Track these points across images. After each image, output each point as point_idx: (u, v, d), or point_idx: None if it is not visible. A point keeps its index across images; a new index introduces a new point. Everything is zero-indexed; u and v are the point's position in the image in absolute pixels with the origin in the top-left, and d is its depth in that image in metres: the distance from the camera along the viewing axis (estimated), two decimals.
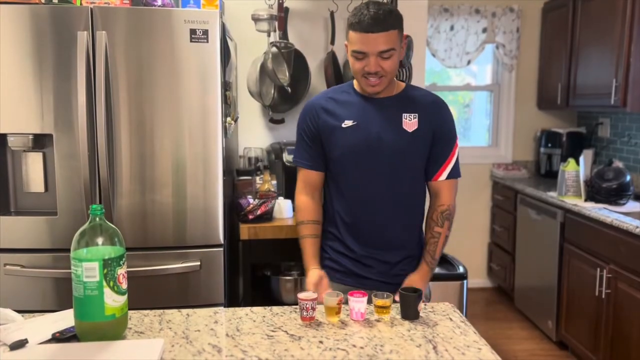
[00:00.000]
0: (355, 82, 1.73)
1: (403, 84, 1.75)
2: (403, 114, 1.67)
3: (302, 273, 1.91)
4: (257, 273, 2.60)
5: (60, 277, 2.04)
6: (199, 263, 2.11)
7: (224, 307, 2.17)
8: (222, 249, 2.15)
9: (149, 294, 2.06)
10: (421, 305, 1.42)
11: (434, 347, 1.24)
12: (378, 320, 1.39)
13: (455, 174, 1.75)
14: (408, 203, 1.73)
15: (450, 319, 1.41)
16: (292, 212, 2.42)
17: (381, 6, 1.57)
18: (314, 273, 1.68)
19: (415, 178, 1.73)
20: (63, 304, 1.90)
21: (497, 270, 4.12)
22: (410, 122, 1.67)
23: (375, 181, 1.69)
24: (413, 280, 1.70)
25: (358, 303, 1.39)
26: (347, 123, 1.67)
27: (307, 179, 1.78)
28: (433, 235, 1.74)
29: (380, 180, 1.69)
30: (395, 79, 1.71)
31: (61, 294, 2.06)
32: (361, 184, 1.69)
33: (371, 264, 1.73)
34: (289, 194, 2.49)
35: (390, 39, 1.56)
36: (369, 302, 1.44)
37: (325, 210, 1.80)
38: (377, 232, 1.72)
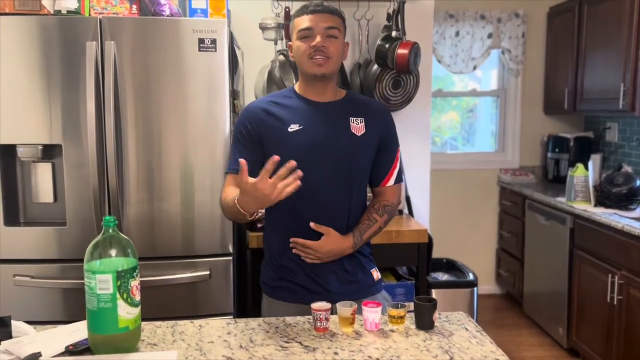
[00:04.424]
0: (297, 86, 1.68)
1: (344, 91, 1.71)
2: (350, 118, 1.64)
3: None
4: None
5: (69, 288, 2.03)
6: (208, 272, 2.10)
7: (233, 316, 2.16)
8: (231, 258, 2.14)
9: (158, 303, 2.05)
10: (436, 314, 1.40)
11: (451, 358, 1.23)
12: (392, 331, 1.38)
13: (399, 178, 1.73)
14: (354, 210, 1.66)
15: (466, 329, 1.40)
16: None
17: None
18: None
19: (362, 183, 1.68)
20: (72, 315, 1.90)
21: (505, 277, 4.09)
22: (357, 126, 1.64)
23: (323, 187, 1.59)
24: (331, 232, 1.58)
25: (372, 313, 1.37)
26: (294, 127, 1.59)
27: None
28: (369, 218, 1.67)
29: (328, 185, 1.60)
30: (336, 85, 1.68)
31: (70, 305, 2.05)
32: (308, 190, 1.50)
33: (326, 274, 1.62)
34: None
35: (335, 20, 1.58)
36: (383, 312, 1.42)
37: (268, 224, 1.70)
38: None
